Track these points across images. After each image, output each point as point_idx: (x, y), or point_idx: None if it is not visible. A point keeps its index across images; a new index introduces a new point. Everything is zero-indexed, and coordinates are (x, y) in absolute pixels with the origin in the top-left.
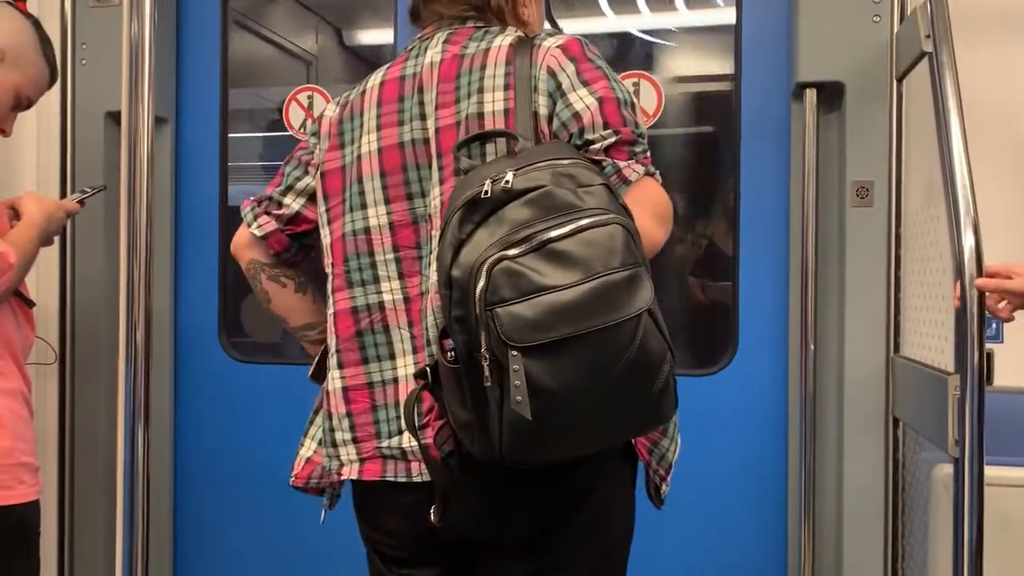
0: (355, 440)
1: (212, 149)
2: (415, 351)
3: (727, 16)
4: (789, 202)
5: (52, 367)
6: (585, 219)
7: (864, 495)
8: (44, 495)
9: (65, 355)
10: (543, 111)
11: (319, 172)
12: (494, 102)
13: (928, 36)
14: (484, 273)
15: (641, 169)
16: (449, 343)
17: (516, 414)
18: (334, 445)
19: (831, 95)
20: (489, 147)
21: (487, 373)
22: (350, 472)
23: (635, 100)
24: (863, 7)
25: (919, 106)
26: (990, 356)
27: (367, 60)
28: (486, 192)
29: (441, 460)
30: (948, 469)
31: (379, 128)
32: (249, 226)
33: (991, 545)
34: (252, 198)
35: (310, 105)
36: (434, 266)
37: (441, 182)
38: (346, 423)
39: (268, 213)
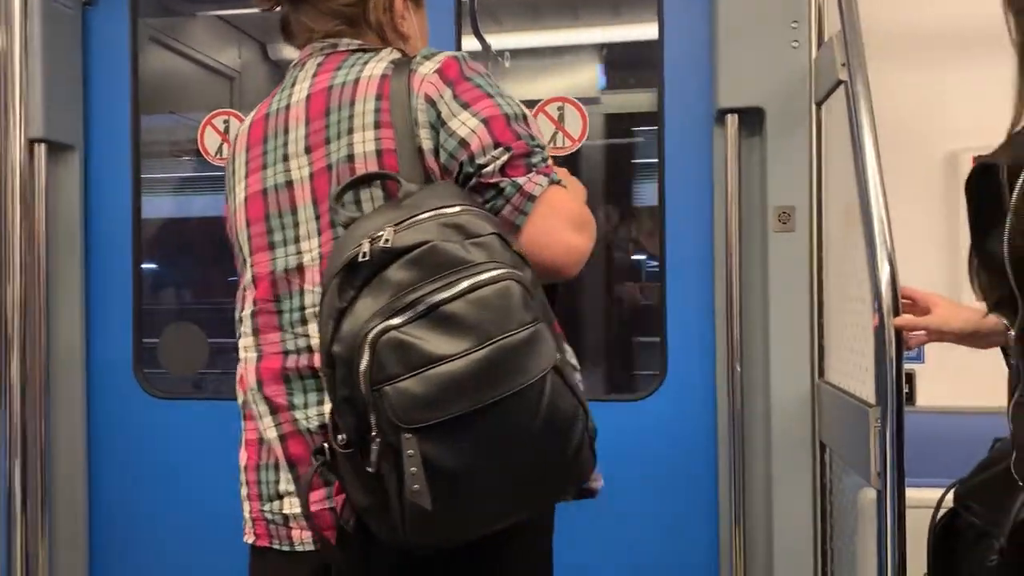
0: (248, 497)
1: (123, 177)
2: (274, 412)
3: (651, 38)
4: (714, 227)
5: None
6: (476, 276)
7: (793, 520)
8: None
9: None
10: (427, 145)
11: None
12: (364, 143)
13: (844, 64)
14: (367, 347)
15: (544, 180)
16: (339, 424)
17: (414, 502)
18: (241, 499)
19: (752, 120)
20: (363, 193)
21: (376, 459)
22: (249, 534)
23: (527, 112)
24: (782, 33)
25: (839, 131)
26: (912, 377)
27: None
28: (364, 254)
29: (339, 534)
30: (873, 494)
31: (247, 175)
32: None
33: (918, 562)
34: None
35: (226, 130)
36: (312, 325)
37: (319, 232)
38: (243, 478)
39: None
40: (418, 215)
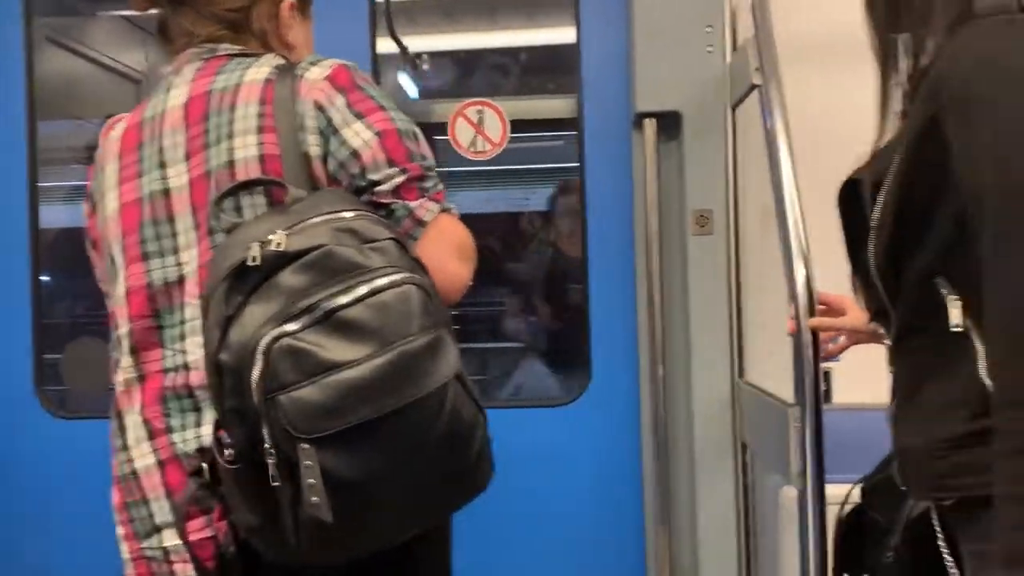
0: (123, 538)
1: (19, 185)
2: (152, 436)
3: (569, 42)
4: (634, 231)
5: None
6: (374, 281)
7: (717, 520)
8: None
9: None
10: (314, 151)
11: (89, 244)
12: (246, 147)
13: (757, 69)
14: (260, 355)
15: (435, 207)
16: (226, 437)
17: (313, 515)
18: (118, 541)
19: (670, 124)
20: (245, 200)
21: (273, 473)
22: (131, 575)
23: (417, 129)
24: (697, 38)
25: (754, 134)
26: (828, 376)
27: None
28: (254, 258)
29: (220, 562)
30: (793, 493)
31: (119, 184)
32: None
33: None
34: None
35: None
36: (195, 339)
37: (198, 241)
38: (116, 517)
39: None
40: (310, 219)
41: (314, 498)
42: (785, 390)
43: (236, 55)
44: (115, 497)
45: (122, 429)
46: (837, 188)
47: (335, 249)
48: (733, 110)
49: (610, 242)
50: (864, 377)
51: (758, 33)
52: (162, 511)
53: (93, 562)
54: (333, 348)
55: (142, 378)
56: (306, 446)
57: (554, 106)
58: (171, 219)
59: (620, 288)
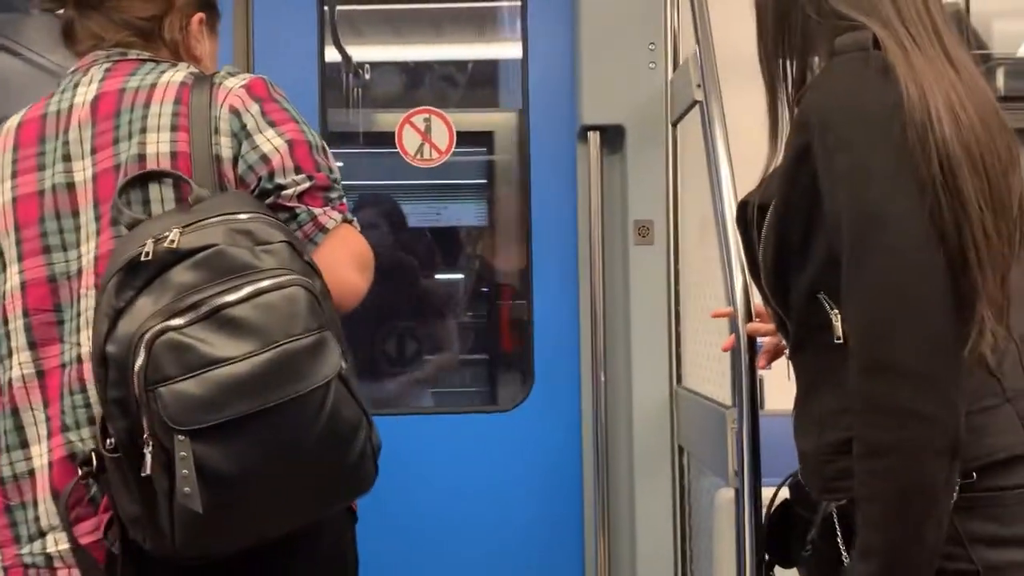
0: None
1: None
2: (50, 435)
3: (515, 54)
4: (578, 240)
5: None
6: (263, 281)
7: (655, 522)
8: None
9: None
10: (226, 153)
11: None
12: (159, 143)
13: (699, 85)
14: (143, 348)
15: (339, 216)
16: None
17: (186, 506)
18: None
19: (613, 137)
20: (153, 192)
21: (149, 461)
22: None
23: (325, 144)
24: (640, 54)
25: (694, 148)
26: (760, 383)
27: None
28: (147, 254)
29: (107, 562)
30: (730, 494)
31: (14, 175)
32: None
33: None
34: None
35: None
36: (88, 331)
37: (98, 233)
38: None
39: None
40: (207, 219)
41: (187, 488)
42: (722, 395)
43: (147, 60)
44: None
45: (19, 427)
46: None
47: (227, 249)
48: (674, 125)
49: (553, 251)
50: (792, 385)
51: (700, 51)
52: (49, 514)
53: None
54: (216, 344)
55: (41, 374)
56: (182, 438)
57: (497, 119)
58: (75, 213)
59: (563, 295)
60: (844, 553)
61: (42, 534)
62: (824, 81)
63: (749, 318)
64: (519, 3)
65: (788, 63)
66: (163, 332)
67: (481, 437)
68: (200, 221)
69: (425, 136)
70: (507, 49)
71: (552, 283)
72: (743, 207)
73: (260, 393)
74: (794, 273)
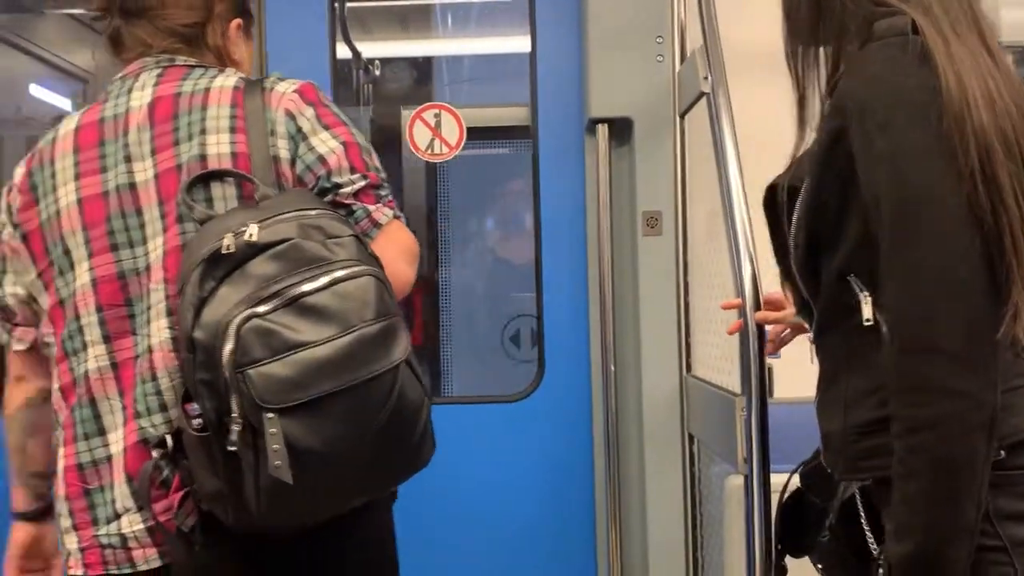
0: (75, 527)
1: None
2: (125, 422)
3: (524, 49)
4: (587, 232)
5: None
6: (337, 271)
7: (665, 510)
8: None
9: None
10: (283, 154)
11: (19, 235)
12: (219, 144)
13: (706, 77)
14: (232, 333)
15: (389, 212)
16: (193, 408)
17: (274, 479)
18: (62, 532)
19: (621, 130)
20: (216, 190)
21: (236, 439)
22: (76, 566)
23: (371, 146)
24: (648, 47)
25: (701, 140)
26: (770, 371)
27: None
28: (228, 247)
29: (180, 537)
30: (739, 480)
31: (77, 177)
32: (9, 347)
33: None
34: None
35: None
36: (158, 323)
37: (164, 230)
38: (66, 508)
39: (15, 323)
40: (280, 215)
41: (277, 462)
42: (731, 383)
43: (194, 66)
44: (64, 487)
45: (96, 416)
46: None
47: (302, 242)
48: (682, 117)
49: (563, 242)
50: (803, 372)
51: (706, 43)
52: (123, 496)
53: None
54: (299, 329)
55: (116, 365)
56: (271, 415)
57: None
58: (139, 211)
59: (572, 286)
60: (869, 535)
61: (117, 516)
62: (862, 66)
63: (758, 307)
64: None
65: (821, 51)
66: (250, 318)
67: (492, 427)
68: (273, 217)
69: (435, 131)
70: (515, 43)
71: (561, 274)
72: (772, 191)
73: (340, 374)
74: (824, 255)
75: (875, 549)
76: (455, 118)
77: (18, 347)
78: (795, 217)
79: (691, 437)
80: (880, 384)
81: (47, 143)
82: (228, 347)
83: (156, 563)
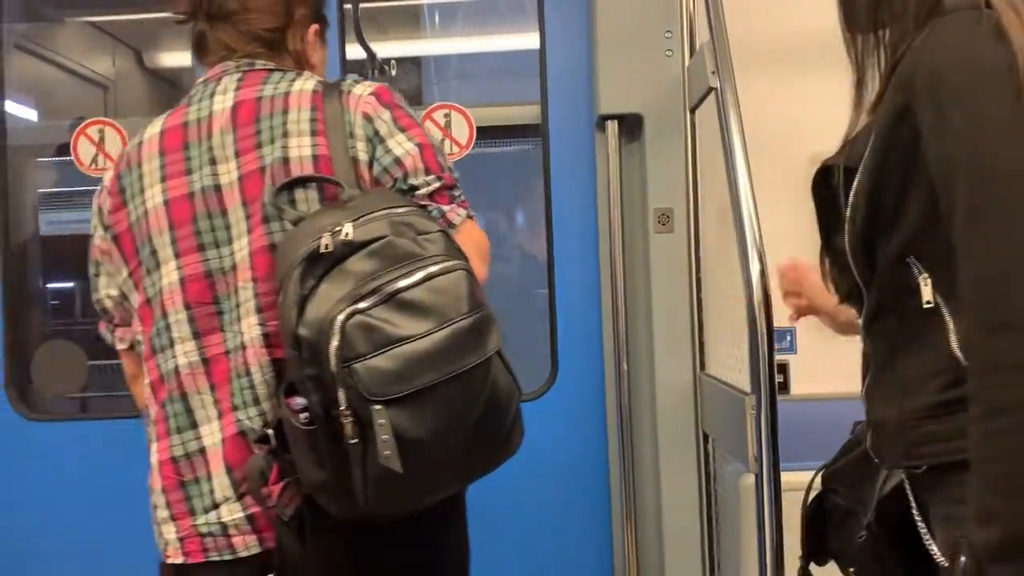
0: (172, 518)
1: None
2: (220, 416)
3: (533, 46)
4: (598, 229)
5: None
6: (431, 267)
7: (681, 508)
8: None
9: None
10: (363, 156)
11: (110, 236)
12: (300, 147)
13: (714, 72)
14: (337, 330)
15: (463, 212)
16: (296, 402)
17: (383, 468)
18: (158, 523)
19: (631, 126)
20: (299, 194)
21: (348, 431)
22: (175, 555)
23: (442, 147)
24: (656, 42)
25: (712, 135)
26: (785, 368)
27: (170, 82)
28: (327, 246)
29: (283, 525)
30: (751, 479)
31: (164, 179)
32: (116, 346)
33: (794, 541)
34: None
35: (101, 139)
36: (248, 320)
37: (248, 231)
38: (162, 500)
39: (116, 324)
40: (371, 213)
41: (387, 452)
42: (743, 381)
43: (273, 70)
44: (158, 481)
45: (188, 410)
46: (811, 176)
47: (395, 240)
48: (692, 112)
49: (574, 241)
50: (819, 370)
51: (713, 38)
52: (223, 487)
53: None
54: (399, 323)
55: (206, 361)
56: (379, 407)
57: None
58: (224, 212)
59: (585, 285)
60: (922, 526)
61: (216, 505)
62: (933, 40)
63: (767, 304)
64: None
65: (881, 29)
66: (352, 315)
67: None
68: (365, 215)
69: (445, 131)
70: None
71: (574, 273)
72: (825, 172)
73: (440, 366)
74: (882, 237)
75: (928, 541)
76: (465, 118)
77: (121, 346)
78: (851, 198)
79: (705, 436)
80: (941, 368)
81: (133, 147)
82: (334, 343)
83: (256, 549)
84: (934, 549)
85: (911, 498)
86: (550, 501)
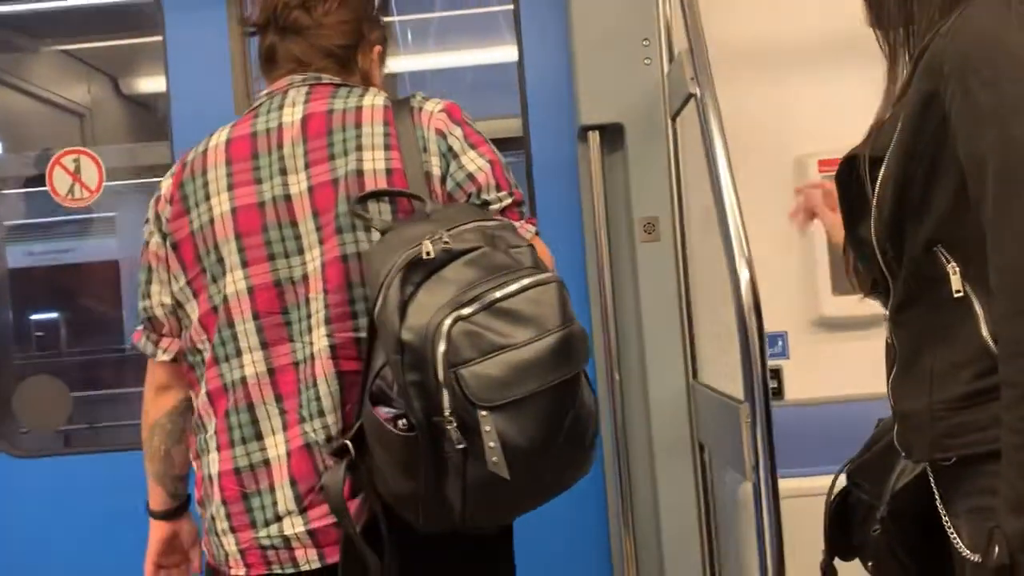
0: (232, 530)
1: None
2: (286, 427)
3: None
4: (584, 240)
5: None
6: (524, 279)
7: (679, 519)
8: None
9: None
10: (436, 171)
11: (168, 243)
12: (374, 160)
13: (693, 79)
14: (444, 335)
15: (532, 228)
16: (387, 411)
17: (482, 477)
18: (217, 534)
19: (613, 135)
20: (372, 207)
21: (454, 436)
22: (237, 566)
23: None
24: (634, 50)
25: (694, 142)
26: (779, 373)
27: (146, 108)
28: (428, 253)
29: (345, 543)
30: (751, 487)
31: (231, 188)
32: (155, 358)
33: (792, 548)
34: (138, 328)
35: (77, 169)
36: (319, 331)
37: (321, 242)
38: (223, 511)
39: (161, 334)
40: (462, 224)
41: (495, 458)
42: (736, 389)
43: (340, 85)
44: (217, 493)
45: (254, 420)
46: (838, 166)
47: (491, 250)
48: (673, 119)
49: (560, 253)
50: (812, 374)
51: (692, 45)
52: (287, 499)
53: None
54: (502, 331)
55: (272, 371)
56: (484, 413)
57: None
58: (294, 223)
59: (573, 298)
60: (946, 518)
61: (279, 518)
62: (962, 26)
63: (758, 311)
64: (512, 7)
65: (912, 23)
66: (457, 320)
67: None
68: (458, 226)
69: None
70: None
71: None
72: (850, 162)
73: (542, 375)
74: (910, 226)
75: (954, 536)
76: None
77: (164, 358)
78: (877, 188)
79: (701, 445)
80: (972, 357)
81: (196, 155)
82: (441, 348)
83: (316, 564)
84: (960, 544)
85: (936, 491)
86: (545, 513)
